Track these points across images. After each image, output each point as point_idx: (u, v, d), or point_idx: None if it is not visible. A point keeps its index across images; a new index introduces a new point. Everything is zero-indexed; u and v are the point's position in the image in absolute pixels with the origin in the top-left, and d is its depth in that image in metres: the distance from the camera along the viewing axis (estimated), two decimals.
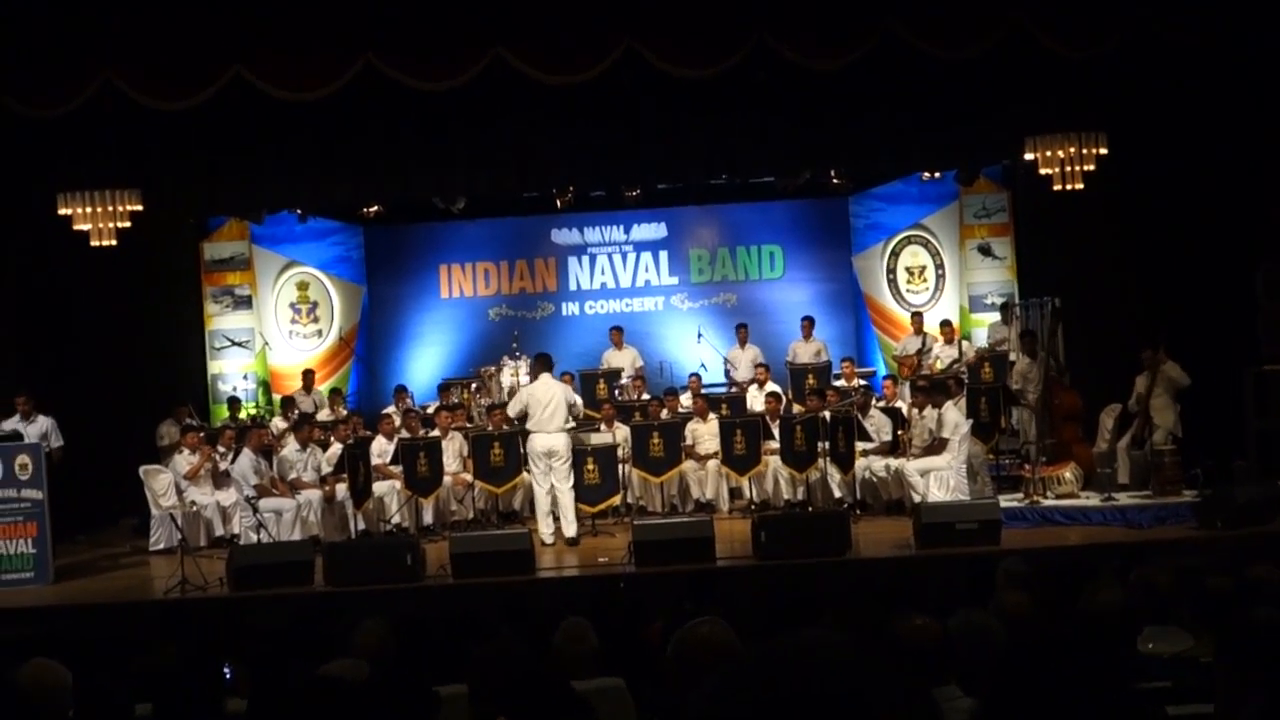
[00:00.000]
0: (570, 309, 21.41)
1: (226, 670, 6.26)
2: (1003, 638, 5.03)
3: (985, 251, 20.04)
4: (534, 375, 14.97)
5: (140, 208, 14.87)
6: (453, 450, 15.73)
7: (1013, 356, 16.88)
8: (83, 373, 17.11)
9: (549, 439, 14.32)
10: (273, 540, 13.99)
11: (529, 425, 14.47)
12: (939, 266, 20.46)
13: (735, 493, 16.03)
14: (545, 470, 14.33)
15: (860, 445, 15.18)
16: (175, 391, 18.00)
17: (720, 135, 15.67)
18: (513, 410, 14.83)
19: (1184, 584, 6.62)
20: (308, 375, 19.35)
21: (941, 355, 18.13)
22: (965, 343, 18.45)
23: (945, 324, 18.70)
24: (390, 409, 17.51)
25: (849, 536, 12.75)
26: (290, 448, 15.64)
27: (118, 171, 14.77)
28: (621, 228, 21.31)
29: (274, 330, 20.49)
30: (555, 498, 14.36)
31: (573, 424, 14.80)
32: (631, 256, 21.36)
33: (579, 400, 15.16)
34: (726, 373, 19.35)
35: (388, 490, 15.34)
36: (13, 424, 15.04)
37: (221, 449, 15.95)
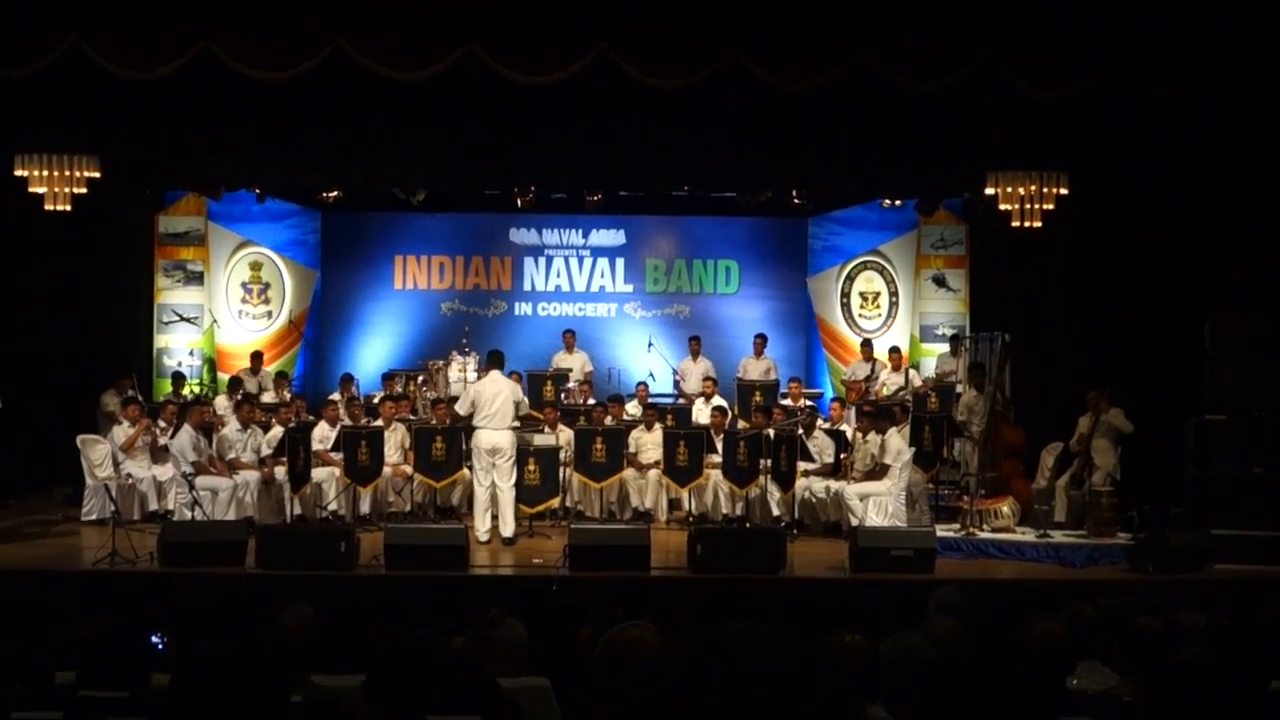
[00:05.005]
0: (523, 309, 21.40)
1: (157, 641, 6.21)
2: (933, 662, 5.04)
3: (940, 282, 20.16)
4: (485, 371, 14.93)
5: (98, 175, 14.78)
6: (394, 441, 15.67)
7: (960, 389, 16.98)
8: (26, 337, 16.95)
9: (494, 436, 14.27)
10: (207, 518, 13.91)
11: (475, 421, 14.43)
12: (893, 294, 20.57)
13: (674, 504, 16.04)
14: (488, 467, 14.27)
15: (802, 465, 15.21)
16: (119, 363, 17.85)
17: (685, 147, 15.69)
18: (462, 407, 14.78)
19: (1113, 623, 6.66)
20: (256, 357, 19.23)
21: (888, 382, 18.21)
22: (913, 371, 18.55)
23: (894, 351, 18.78)
24: (335, 395, 17.43)
25: (784, 555, 12.76)
26: (231, 427, 15.53)
27: (78, 137, 14.66)
28: (580, 232, 21.33)
29: (224, 309, 20.36)
30: (495, 496, 14.33)
31: (518, 422, 14.74)
32: (588, 261, 21.38)
33: (525, 399, 15.08)
34: (676, 384, 19.35)
35: (326, 477, 15.27)
36: None
37: (162, 424, 15.83)
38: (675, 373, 19.51)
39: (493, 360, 14.90)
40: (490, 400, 14.30)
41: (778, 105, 14.57)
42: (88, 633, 5.81)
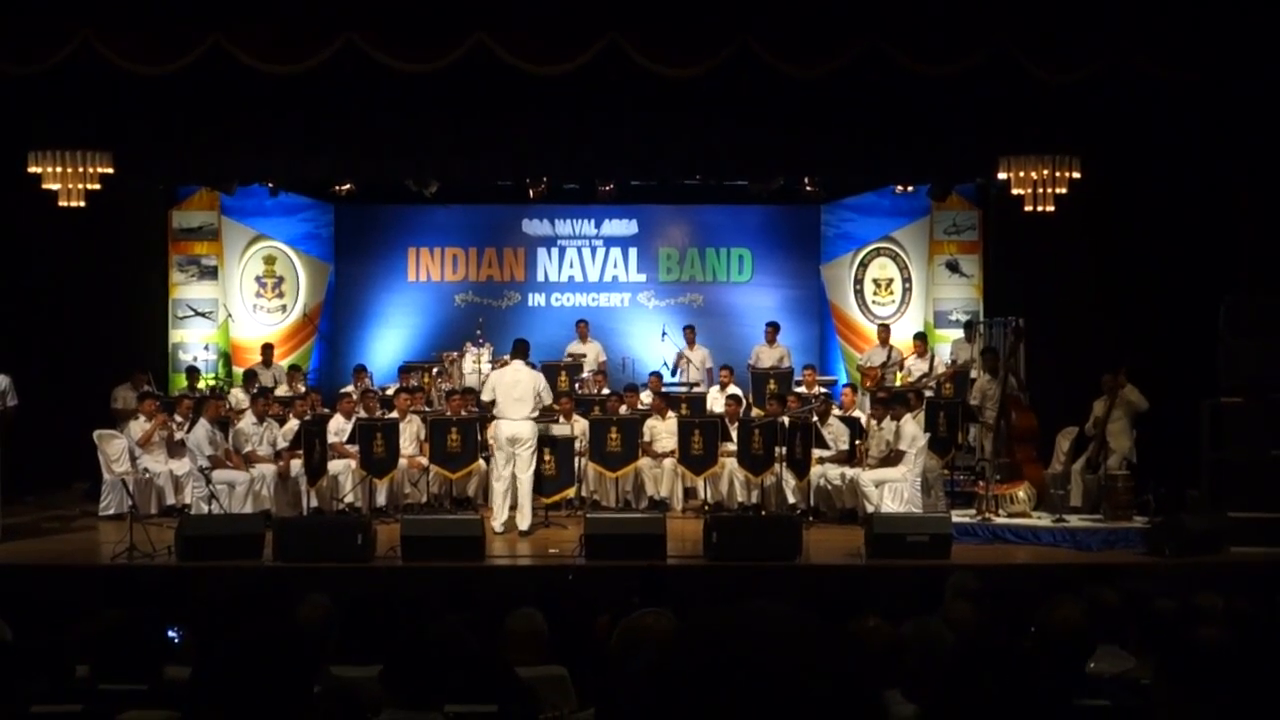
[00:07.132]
0: (536, 300, 21.40)
1: (174, 635, 6.22)
2: (952, 647, 5.04)
3: (953, 268, 20.13)
4: (508, 360, 14.92)
5: (111, 171, 14.79)
6: (410, 433, 15.69)
7: (974, 374, 16.96)
8: (42, 333, 17.00)
9: (514, 425, 14.24)
10: (224, 512, 13.94)
11: (495, 411, 14.43)
12: (906, 280, 20.54)
13: (690, 492, 16.05)
14: (508, 458, 14.27)
15: (817, 452, 15.20)
16: (135, 358, 17.89)
17: (697, 136, 15.67)
18: (485, 395, 14.80)
19: (1131, 606, 6.66)
20: (267, 349, 19.28)
21: (913, 369, 18.17)
22: (936, 358, 18.49)
23: (919, 337, 18.74)
24: (349, 388, 17.46)
25: (800, 542, 12.77)
26: (247, 421, 15.56)
27: (91, 133, 14.67)
28: (592, 222, 21.32)
29: (238, 303, 20.41)
30: (513, 487, 14.33)
31: (537, 412, 14.70)
32: (601, 251, 21.38)
33: (546, 389, 15.05)
34: (675, 369, 19.27)
35: (342, 469, 15.30)
36: None
37: (178, 418, 15.87)
38: (679, 356, 19.39)
39: (515, 350, 14.83)
40: (509, 389, 14.29)
41: (789, 92, 14.53)
42: (106, 626, 5.83)
